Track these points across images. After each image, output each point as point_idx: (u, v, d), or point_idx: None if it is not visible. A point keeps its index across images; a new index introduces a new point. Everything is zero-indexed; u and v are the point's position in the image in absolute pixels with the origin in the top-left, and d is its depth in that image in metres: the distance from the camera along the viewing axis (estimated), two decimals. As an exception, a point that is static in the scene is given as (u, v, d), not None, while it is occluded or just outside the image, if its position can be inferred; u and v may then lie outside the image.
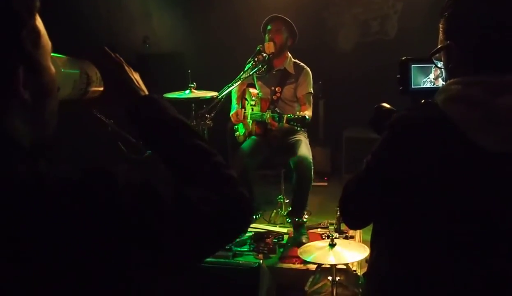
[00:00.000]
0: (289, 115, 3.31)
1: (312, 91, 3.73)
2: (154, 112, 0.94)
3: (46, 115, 0.77)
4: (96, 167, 0.70)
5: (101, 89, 0.96)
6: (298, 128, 3.33)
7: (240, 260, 3.19)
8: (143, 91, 0.99)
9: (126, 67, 0.99)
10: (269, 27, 3.64)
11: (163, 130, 0.93)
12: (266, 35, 3.64)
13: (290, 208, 3.70)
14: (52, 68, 0.77)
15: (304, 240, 3.44)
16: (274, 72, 3.73)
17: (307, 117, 3.26)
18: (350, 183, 1.34)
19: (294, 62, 3.74)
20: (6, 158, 0.66)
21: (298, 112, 3.34)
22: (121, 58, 1.00)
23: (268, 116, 3.46)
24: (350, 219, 1.40)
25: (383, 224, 1.32)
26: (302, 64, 3.75)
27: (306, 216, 3.63)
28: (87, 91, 0.92)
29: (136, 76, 1.00)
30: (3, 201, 0.61)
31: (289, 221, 3.73)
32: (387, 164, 1.24)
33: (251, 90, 3.88)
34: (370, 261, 1.40)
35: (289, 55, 3.74)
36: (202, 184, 0.85)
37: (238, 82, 3.53)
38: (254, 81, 3.85)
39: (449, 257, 1.18)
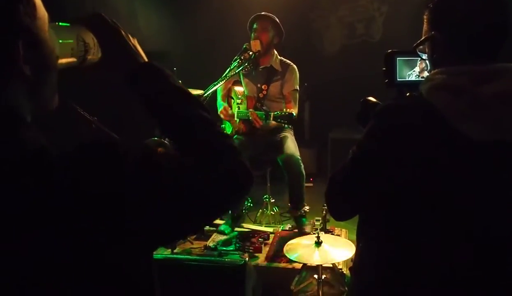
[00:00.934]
0: (276, 113, 3.32)
1: (298, 88, 3.73)
2: (155, 79, 0.93)
3: (48, 89, 0.77)
4: (97, 140, 0.71)
5: (99, 56, 0.94)
6: (285, 125, 3.32)
7: (226, 259, 3.17)
8: (142, 57, 0.97)
9: (123, 33, 0.97)
10: (255, 26, 3.64)
11: (164, 98, 0.92)
12: (252, 33, 3.64)
13: (290, 204, 3.69)
14: (51, 40, 0.76)
15: (308, 230, 3.49)
16: (260, 70, 3.72)
17: (294, 114, 3.26)
18: (337, 174, 1.34)
19: (281, 59, 3.75)
20: (12, 131, 0.67)
21: (285, 109, 3.35)
22: (118, 24, 0.98)
23: (252, 112, 3.45)
24: (337, 210, 1.39)
25: (370, 212, 1.32)
26: (289, 61, 3.75)
27: (307, 208, 3.63)
28: (85, 59, 0.90)
29: (134, 42, 0.98)
30: (9, 172, 0.62)
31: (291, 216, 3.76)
32: (373, 152, 1.24)
33: (236, 88, 3.87)
34: (357, 252, 1.39)
35: (276, 52, 3.74)
36: (202, 152, 0.85)
37: (224, 80, 3.52)
38: (240, 79, 3.84)
39: (435, 241, 1.18)
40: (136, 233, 0.70)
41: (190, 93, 0.95)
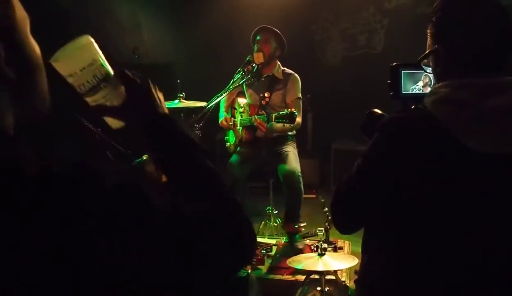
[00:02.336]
0: (276, 113, 3.32)
1: (301, 96, 3.74)
2: (172, 130, 0.97)
3: (35, 95, 0.74)
4: (85, 164, 0.66)
5: (114, 100, 0.97)
6: (288, 125, 3.30)
7: (229, 270, 3.16)
8: (164, 110, 1.02)
9: (152, 86, 1.03)
10: (258, 38, 3.68)
11: (178, 147, 0.95)
12: (255, 45, 3.67)
13: (284, 219, 3.69)
14: (33, 42, 0.73)
15: (300, 247, 3.47)
16: (262, 79, 3.75)
17: (295, 112, 3.26)
18: (341, 187, 1.34)
19: (283, 69, 3.77)
20: None
21: (286, 109, 3.35)
22: (147, 78, 1.04)
23: (256, 118, 3.45)
24: (342, 223, 1.39)
25: (375, 225, 1.31)
26: (290, 71, 3.77)
27: (302, 225, 3.62)
28: (98, 86, 0.91)
29: (160, 96, 1.04)
30: None
31: (283, 230, 3.75)
32: (378, 165, 1.24)
33: (240, 99, 3.89)
34: (362, 264, 1.39)
35: (278, 63, 3.76)
36: (205, 203, 0.83)
37: (228, 92, 3.54)
38: (244, 90, 3.87)
39: (440, 253, 1.18)
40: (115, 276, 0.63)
41: (201, 145, 0.97)
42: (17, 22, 0.69)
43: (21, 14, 0.71)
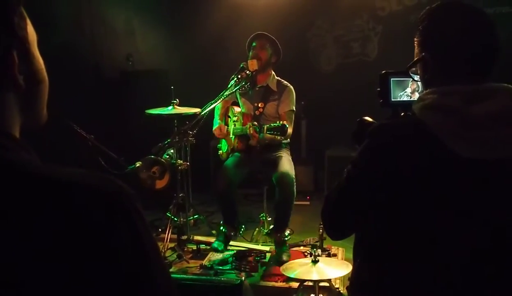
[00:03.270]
0: (268, 125, 3.33)
1: (294, 109, 3.74)
2: None
3: (37, 104, 0.77)
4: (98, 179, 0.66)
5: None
6: (279, 137, 3.32)
7: (222, 278, 3.15)
8: None
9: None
10: (254, 44, 3.68)
11: None
12: (251, 51, 3.68)
13: (273, 226, 3.68)
14: (40, 57, 0.76)
15: (285, 258, 3.42)
16: (257, 89, 3.75)
17: (286, 125, 3.27)
18: (332, 193, 1.35)
19: (277, 80, 3.77)
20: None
21: (277, 121, 3.35)
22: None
23: (249, 127, 3.45)
24: (333, 229, 1.40)
25: (365, 231, 1.32)
26: (286, 82, 3.77)
27: (288, 233, 3.60)
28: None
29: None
30: None
31: (271, 238, 3.73)
32: (367, 170, 1.25)
33: (235, 108, 3.90)
34: (353, 270, 1.39)
35: (273, 72, 3.77)
36: None
37: (221, 99, 3.54)
38: (237, 98, 3.87)
39: (429, 257, 1.19)
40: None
41: None
42: (29, 35, 0.73)
43: (32, 30, 0.75)
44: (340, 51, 5.81)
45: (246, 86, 3.62)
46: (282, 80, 3.78)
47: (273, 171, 3.54)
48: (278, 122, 3.33)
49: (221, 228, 3.72)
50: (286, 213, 3.55)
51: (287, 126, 3.28)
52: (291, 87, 3.74)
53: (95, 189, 0.64)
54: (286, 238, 3.58)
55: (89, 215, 0.61)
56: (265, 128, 3.33)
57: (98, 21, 5.11)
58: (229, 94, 3.60)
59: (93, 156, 3.26)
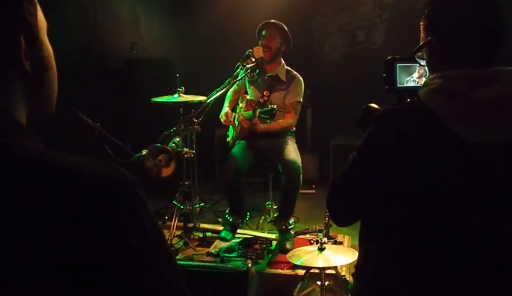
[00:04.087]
0: (260, 109, 3.38)
1: (301, 101, 3.73)
2: None
3: (45, 92, 0.76)
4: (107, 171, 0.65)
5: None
6: (269, 121, 3.39)
7: (229, 265, 3.17)
8: None
9: None
10: (263, 33, 3.67)
11: None
12: (260, 40, 3.67)
13: (278, 214, 3.69)
14: (49, 44, 0.76)
15: (288, 247, 3.43)
16: (266, 77, 3.74)
17: (275, 109, 3.32)
18: (337, 180, 1.35)
19: (287, 69, 3.75)
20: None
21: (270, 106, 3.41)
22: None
23: (240, 114, 3.49)
24: (338, 215, 1.40)
25: (371, 217, 1.32)
26: (295, 73, 3.75)
27: (292, 221, 3.62)
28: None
29: None
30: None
31: (275, 226, 3.75)
32: (372, 156, 1.25)
33: (246, 96, 3.89)
34: (359, 257, 1.39)
35: (283, 61, 3.75)
36: None
37: (227, 86, 3.54)
38: (246, 86, 3.86)
39: (434, 243, 1.19)
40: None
41: None
42: (38, 21, 0.73)
43: (42, 17, 0.74)
44: (345, 39, 5.77)
45: (253, 73, 3.62)
46: (292, 70, 3.76)
47: (279, 159, 3.54)
48: (270, 106, 3.37)
49: (228, 217, 3.73)
50: (291, 201, 3.56)
51: (276, 109, 3.32)
52: (300, 78, 3.72)
53: (98, 176, 0.63)
54: (290, 226, 3.59)
55: (91, 202, 0.61)
56: (258, 112, 3.38)
57: (103, 10, 5.10)
58: (236, 82, 3.61)
59: (100, 144, 3.27)
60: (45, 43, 0.75)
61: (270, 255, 3.44)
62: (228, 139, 3.98)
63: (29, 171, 0.60)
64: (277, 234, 3.70)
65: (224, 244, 3.59)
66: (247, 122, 3.48)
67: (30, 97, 0.72)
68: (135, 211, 0.64)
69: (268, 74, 3.72)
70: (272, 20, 3.70)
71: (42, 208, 0.59)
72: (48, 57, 0.75)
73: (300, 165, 3.51)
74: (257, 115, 3.38)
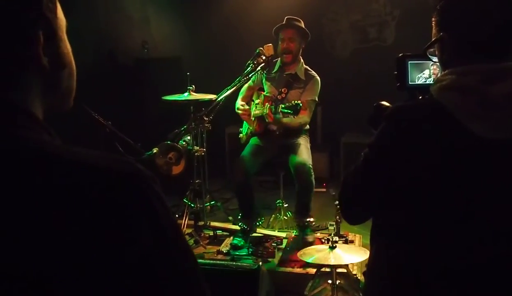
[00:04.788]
0: (283, 104, 3.35)
1: (316, 100, 3.73)
2: None
3: (62, 88, 0.76)
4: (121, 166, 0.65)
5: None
6: (292, 116, 3.34)
7: (239, 263, 3.17)
8: None
9: None
10: (280, 36, 3.68)
11: None
12: (279, 43, 3.68)
13: (295, 212, 3.70)
14: (67, 42, 0.76)
15: (310, 240, 3.48)
16: (284, 75, 3.74)
17: (300, 104, 3.27)
18: (349, 177, 1.34)
19: (305, 68, 3.76)
20: (15, 126, 0.64)
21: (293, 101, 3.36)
22: None
23: (267, 107, 3.47)
24: (350, 212, 1.39)
25: (383, 215, 1.31)
26: (313, 72, 3.76)
27: (312, 219, 3.63)
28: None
29: None
30: (6, 175, 0.59)
31: (295, 223, 3.76)
32: (384, 153, 1.24)
33: (262, 92, 3.88)
34: (370, 256, 1.39)
35: (302, 60, 3.76)
36: None
37: (236, 85, 3.53)
38: (262, 82, 3.86)
39: (447, 240, 1.18)
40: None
41: None
42: (58, 18, 0.73)
43: (61, 15, 0.75)
44: (356, 36, 5.74)
45: (265, 72, 3.62)
46: (310, 70, 3.77)
47: (290, 159, 3.54)
48: (293, 101, 3.33)
49: (240, 224, 3.71)
50: (307, 200, 3.58)
51: (301, 105, 3.28)
52: (318, 78, 3.73)
53: (113, 170, 0.64)
54: (309, 223, 3.60)
55: (106, 196, 0.61)
56: (280, 107, 3.35)
57: (113, 8, 5.12)
58: (247, 80, 3.60)
59: (111, 142, 3.28)
60: (64, 40, 0.75)
61: (281, 253, 3.44)
62: (241, 135, 3.96)
63: (43, 165, 0.61)
64: (288, 233, 3.73)
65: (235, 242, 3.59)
66: (271, 116, 3.46)
67: (47, 93, 0.73)
68: (151, 205, 0.64)
69: (286, 73, 3.73)
70: (286, 21, 3.69)
71: (55, 201, 0.59)
72: (66, 54, 0.75)
73: (311, 166, 3.50)
74: (279, 110, 3.36)
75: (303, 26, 3.71)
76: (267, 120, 3.53)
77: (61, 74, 0.75)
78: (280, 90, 3.72)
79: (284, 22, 3.71)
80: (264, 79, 3.83)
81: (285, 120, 3.49)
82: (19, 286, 0.57)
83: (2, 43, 0.66)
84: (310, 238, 3.53)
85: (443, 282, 1.19)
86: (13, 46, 0.67)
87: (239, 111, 3.78)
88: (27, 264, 0.57)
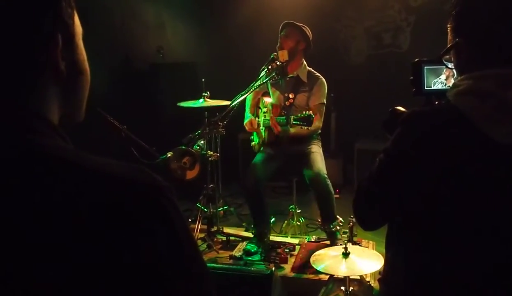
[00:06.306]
0: (295, 116, 3.31)
1: (325, 102, 3.68)
2: None
3: (77, 96, 0.77)
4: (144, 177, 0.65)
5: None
6: (305, 127, 3.30)
7: (252, 268, 3.16)
8: None
9: None
10: (281, 33, 3.64)
11: None
12: (279, 40, 3.65)
13: (320, 219, 3.67)
14: (83, 49, 0.77)
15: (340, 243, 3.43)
16: (288, 79, 3.70)
17: (312, 115, 3.24)
18: (364, 183, 1.33)
19: (309, 70, 3.70)
20: (31, 132, 0.64)
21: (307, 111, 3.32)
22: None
23: (271, 119, 3.45)
24: (365, 219, 1.38)
25: (398, 221, 1.30)
26: (317, 74, 3.70)
27: (339, 226, 3.58)
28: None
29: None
30: (22, 179, 0.59)
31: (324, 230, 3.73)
32: (400, 158, 1.23)
33: (265, 98, 3.87)
34: (386, 262, 1.37)
35: (304, 62, 3.70)
36: None
37: (252, 90, 3.53)
38: (268, 89, 3.84)
39: (464, 249, 1.16)
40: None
41: None
42: (75, 25, 0.74)
43: (78, 22, 0.75)
44: (370, 42, 5.72)
45: (276, 76, 3.60)
46: (314, 71, 3.71)
47: (305, 166, 3.51)
48: (304, 112, 3.30)
49: (253, 231, 3.70)
50: (330, 209, 3.53)
51: (313, 116, 3.26)
52: (323, 79, 3.67)
53: (129, 179, 0.64)
54: (336, 229, 3.56)
55: (122, 206, 0.61)
56: (292, 118, 3.32)
57: (129, 14, 5.18)
58: (260, 85, 3.58)
59: (126, 146, 3.31)
60: (80, 47, 0.76)
61: (294, 259, 3.42)
62: (253, 143, 3.96)
63: (59, 172, 0.61)
64: (301, 239, 3.72)
65: (248, 247, 3.58)
66: (278, 127, 3.44)
67: (63, 101, 0.73)
68: (167, 215, 0.64)
69: (289, 76, 3.68)
70: (289, 21, 3.66)
71: (71, 209, 0.59)
72: (82, 61, 0.76)
73: (326, 174, 3.46)
74: (291, 122, 3.32)
75: (303, 28, 3.63)
76: (274, 132, 3.52)
77: (77, 80, 0.76)
78: (286, 95, 3.69)
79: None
80: (269, 85, 3.80)
81: (292, 130, 3.47)
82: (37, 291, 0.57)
83: (20, 46, 0.66)
84: (340, 242, 3.47)
85: (464, 288, 1.17)
86: (31, 49, 0.67)
87: (247, 127, 3.75)
88: (43, 270, 0.57)
